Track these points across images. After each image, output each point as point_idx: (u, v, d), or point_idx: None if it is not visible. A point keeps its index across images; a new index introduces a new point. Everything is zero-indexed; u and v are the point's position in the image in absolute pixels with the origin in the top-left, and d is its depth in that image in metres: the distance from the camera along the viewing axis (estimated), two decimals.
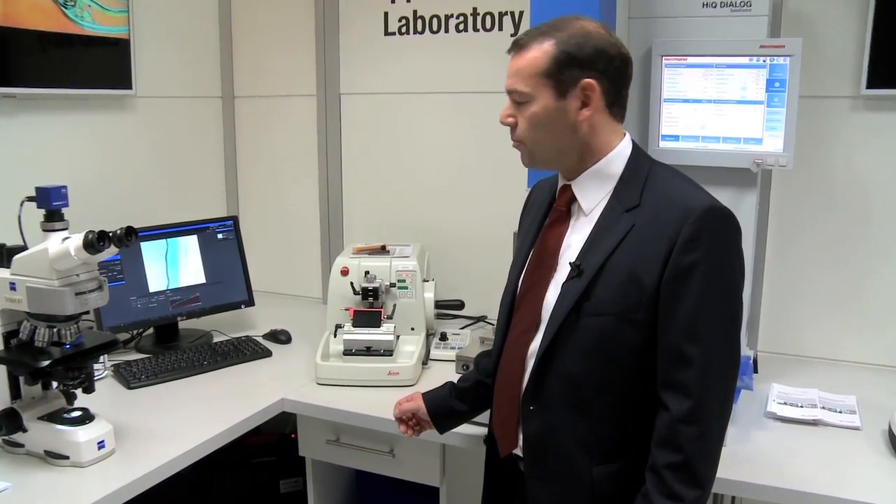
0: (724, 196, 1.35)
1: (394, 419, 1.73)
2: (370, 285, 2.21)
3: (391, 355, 2.11)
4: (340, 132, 2.84)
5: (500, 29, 2.51)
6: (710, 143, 1.97)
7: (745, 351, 2.01)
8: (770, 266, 2.30)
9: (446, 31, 2.58)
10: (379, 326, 2.15)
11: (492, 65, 2.48)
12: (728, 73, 1.92)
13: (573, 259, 1.34)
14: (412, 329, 2.28)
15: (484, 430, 1.65)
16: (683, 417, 1.24)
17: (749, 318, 2.21)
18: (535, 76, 1.30)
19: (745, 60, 1.90)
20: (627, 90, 1.37)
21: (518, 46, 1.34)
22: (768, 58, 1.87)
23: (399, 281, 2.28)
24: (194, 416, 1.89)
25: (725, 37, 1.94)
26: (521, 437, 1.43)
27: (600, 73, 1.30)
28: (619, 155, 1.36)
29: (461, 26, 2.56)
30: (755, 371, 2.09)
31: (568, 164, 1.38)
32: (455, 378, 1.77)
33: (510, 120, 1.36)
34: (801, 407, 1.90)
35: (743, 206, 1.94)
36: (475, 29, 2.54)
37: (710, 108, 1.96)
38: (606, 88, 1.32)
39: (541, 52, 1.30)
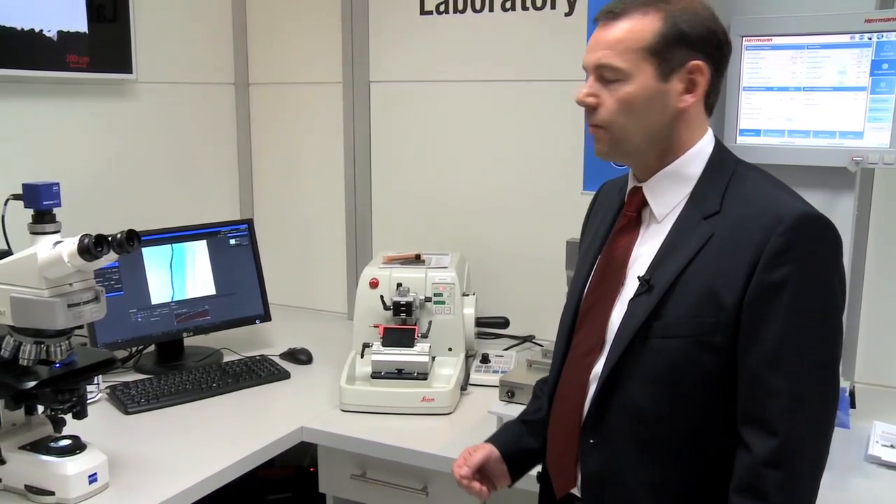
0: (814, 201, 1.32)
1: (460, 483, 1.53)
2: (403, 299, 2.21)
3: (426, 379, 2.11)
4: (370, 125, 2.83)
5: (553, 7, 2.49)
6: (798, 138, 1.93)
7: (841, 383, 1.97)
8: (870, 282, 2.25)
9: (491, 9, 2.57)
10: (412, 346, 2.15)
11: (545, 49, 2.48)
12: (823, 54, 1.87)
13: (642, 272, 1.33)
14: (450, 349, 2.28)
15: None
16: (767, 459, 1.21)
17: (844, 344, 2.16)
18: (635, 51, 1.28)
19: (844, 39, 1.85)
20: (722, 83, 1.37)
21: (612, 15, 1.30)
22: (875, 34, 1.81)
23: (435, 295, 2.28)
24: (200, 447, 1.89)
25: (820, 11, 1.89)
26: (579, 474, 1.40)
27: (707, 56, 1.30)
28: (699, 153, 1.35)
29: (508, 4, 2.54)
30: (852, 406, 2.05)
31: (647, 160, 1.36)
32: (499, 407, 1.73)
33: (591, 100, 1.32)
34: None
35: (837, 213, 1.90)
36: (524, 7, 2.52)
37: (799, 97, 1.92)
38: (711, 75, 1.31)
39: (644, 23, 1.28)
